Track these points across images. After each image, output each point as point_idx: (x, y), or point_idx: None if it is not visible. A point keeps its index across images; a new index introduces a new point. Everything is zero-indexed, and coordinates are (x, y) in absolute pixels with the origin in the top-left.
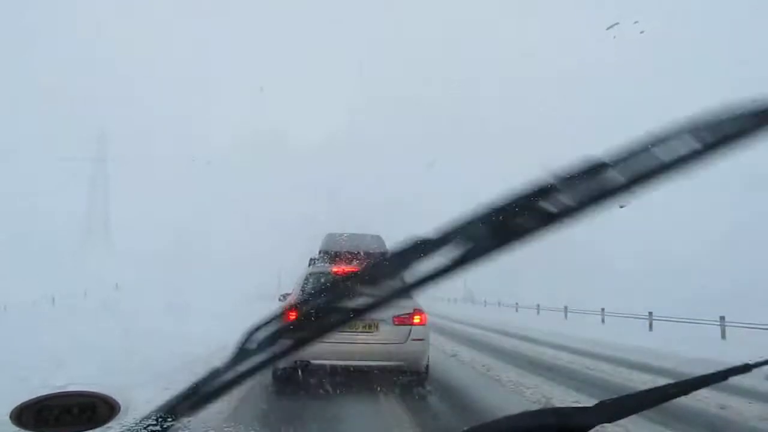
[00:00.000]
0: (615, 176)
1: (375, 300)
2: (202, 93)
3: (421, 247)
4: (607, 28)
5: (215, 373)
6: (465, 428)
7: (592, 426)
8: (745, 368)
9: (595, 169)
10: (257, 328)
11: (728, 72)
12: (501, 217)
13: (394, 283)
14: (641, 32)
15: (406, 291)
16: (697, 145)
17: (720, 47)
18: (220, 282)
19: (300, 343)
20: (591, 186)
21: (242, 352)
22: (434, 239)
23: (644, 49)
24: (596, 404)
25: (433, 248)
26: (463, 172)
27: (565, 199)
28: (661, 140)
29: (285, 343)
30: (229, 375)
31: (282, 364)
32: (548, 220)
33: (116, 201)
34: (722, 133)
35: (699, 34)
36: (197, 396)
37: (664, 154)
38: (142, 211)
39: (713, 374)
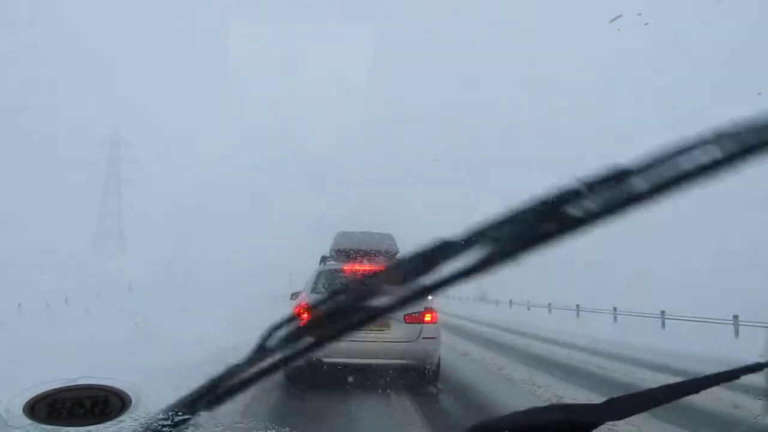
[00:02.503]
0: (639, 183)
1: (395, 300)
2: (215, 95)
3: (445, 249)
4: (611, 21)
5: (233, 370)
6: (473, 423)
7: (601, 423)
8: (757, 367)
9: (620, 176)
10: (277, 327)
11: (736, 64)
12: (526, 221)
13: (413, 284)
14: (645, 24)
15: (428, 291)
16: (720, 155)
17: (728, 39)
18: (231, 282)
19: (319, 342)
20: (615, 193)
21: (261, 350)
22: (458, 241)
23: (649, 41)
24: (606, 401)
25: (458, 250)
26: (469, 170)
27: (590, 204)
28: (685, 149)
29: (304, 342)
30: (247, 372)
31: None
32: (573, 225)
33: (129, 202)
34: (746, 143)
35: (705, 25)
36: (214, 393)
37: (687, 163)
38: (155, 212)
39: (725, 372)
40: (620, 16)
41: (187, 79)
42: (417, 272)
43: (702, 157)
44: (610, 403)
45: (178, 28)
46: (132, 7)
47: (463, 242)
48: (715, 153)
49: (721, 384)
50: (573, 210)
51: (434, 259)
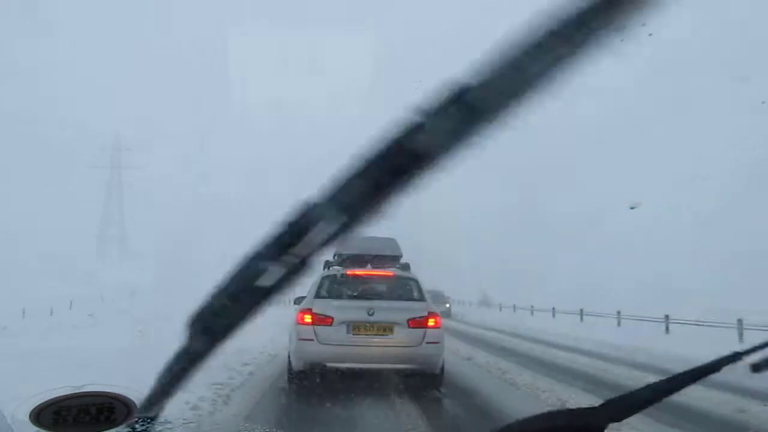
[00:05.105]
0: (485, 98)
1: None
2: (217, 100)
3: (310, 213)
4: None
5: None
6: None
7: (604, 426)
8: (736, 357)
9: (458, 95)
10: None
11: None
12: (376, 170)
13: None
14: (650, 34)
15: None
16: (560, 51)
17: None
18: None
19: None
20: (461, 115)
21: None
22: (319, 203)
23: (654, 53)
24: (604, 403)
25: (320, 213)
26: (471, 176)
27: (435, 134)
28: (523, 49)
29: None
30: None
31: (297, 366)
32: (424, 162)
33: (131, 208)
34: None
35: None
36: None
37: (531, 65)
38: (157, 217)
39: (707, 365)
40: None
41: (188, 84)
42: (290, 244)
43: (544, 55)
44: (609, 404)
45: (179, 34)
46: (134, 13)
47: (323, 203)
48: (560, 50)
49: (702, 378)
50: (420, 146)
51: (302, 226)
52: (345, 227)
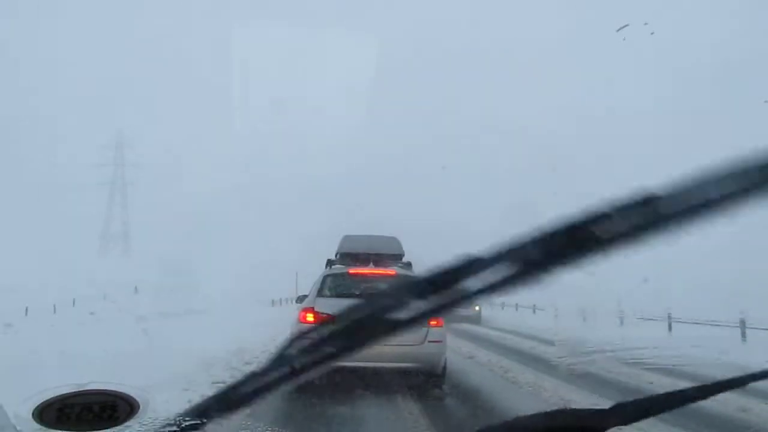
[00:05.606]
0: (667, 209)
1: (418, 312)
2: (220, 99)
3: (472, 265)
4: (617, 30)
5: (248, 378)
6: (478, 428)
7: (608, 428)
8: (766, 374)
9: (648, 200)
10: (298, 337)
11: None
12: (554, 241)
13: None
14: (652, 33)
15: (450, 305)
16: (746, 184)
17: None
18: (237, 285)
19: (339, 353)
20: (644, 217)
21: (280, 359)
22: (486, 258)
23: (655, 51)
24: (613, 406)
25: (484, 266)
26: (475, 176)
27: (619, 227)
28: (713, 177)
29: (323, 351)
30: (263, 380)
31: (299, 364)
32: (601, 246)
33: (134, 205)
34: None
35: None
36: (227, 399)
37: (715, 191)
38: (160, 215)
39: (734, 379)
40: (627, 25)
41: (191, 83)
42: (442, 285)
43: (730, 186)
44: (617, 407)
45: (183, 33)
46: (137, 12)
47: (490, 259)
48: (743, 182)
49: (730, 390)
50: (602, 232)
51: (460, 273)
52: (504, 285)
